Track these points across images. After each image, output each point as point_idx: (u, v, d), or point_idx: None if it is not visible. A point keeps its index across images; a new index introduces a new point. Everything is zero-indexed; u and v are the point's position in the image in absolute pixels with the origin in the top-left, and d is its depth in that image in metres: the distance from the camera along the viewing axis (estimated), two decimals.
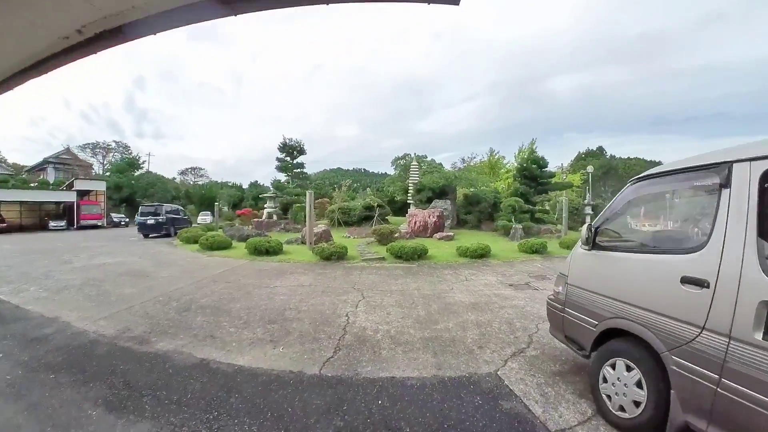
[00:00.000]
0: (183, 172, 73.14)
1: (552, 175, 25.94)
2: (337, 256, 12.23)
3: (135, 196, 50.40)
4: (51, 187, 45.51)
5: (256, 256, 13.53)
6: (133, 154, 61.36)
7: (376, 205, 22.89)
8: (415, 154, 28.42)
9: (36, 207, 38.35)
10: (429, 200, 24.08)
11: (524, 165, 24.31)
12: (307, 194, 14.09)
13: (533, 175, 24.66)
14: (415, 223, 19.32)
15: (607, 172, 52.58)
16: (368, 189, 32.60)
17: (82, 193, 42.98)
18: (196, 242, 17.27)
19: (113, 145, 66.66)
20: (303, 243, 15.66)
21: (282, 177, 25.35)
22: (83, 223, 37.49)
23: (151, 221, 24.23)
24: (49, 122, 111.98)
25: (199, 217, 42.71)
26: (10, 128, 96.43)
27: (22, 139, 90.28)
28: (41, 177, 50.35)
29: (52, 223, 35.00)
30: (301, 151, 26.34)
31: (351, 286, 8.89)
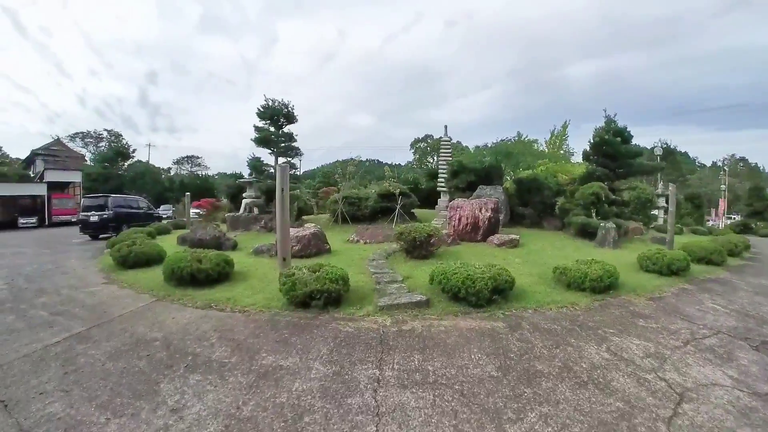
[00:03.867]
0: (178, 162, 67.32)
1: (639, 153, 18.88)
2: (326, 298, 5.53)
3: (123, 188, 45.23)
4: (33, 179, 41.30)
5: (176, 287, 7.10)
6: (122, 143, 55.51)
7: (397, 193, 16.12)
8: (446, 127, 21.35)
9: (11, 202, 33.18)
10: (470, 186, 17.29)
11: (604, 138, 17.37)
12: (278, 170, 7.49)
13: (614, 153, 17.79)
14: (460, 220, 12.59)
15: (663, 158, 45.14)
16: (386, 167, 25.55)
17: (59, 186, 38.48)
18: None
19: (105, 134, 61.37)
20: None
21: (265, 154, 18.72)
22: (56, 219, 32.93)
23: (94, 218, 18.09)
24: (64, 119, 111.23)
25: (192, 210, 37.19)
26: (28, 124, 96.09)
27: (39, 135, 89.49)
28: (31, 170, 46.61)
29: (21, 220, 30.54)
30: (290, 118, 18.78)
31: None
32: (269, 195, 17.05)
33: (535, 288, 7.21)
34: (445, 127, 21.59)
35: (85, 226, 18.34)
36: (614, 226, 13.92)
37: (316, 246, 9.51)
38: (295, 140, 17.88)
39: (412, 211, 17.19)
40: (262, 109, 17.31)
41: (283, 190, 7.31)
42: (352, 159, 19.27)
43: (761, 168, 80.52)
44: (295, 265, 6.40)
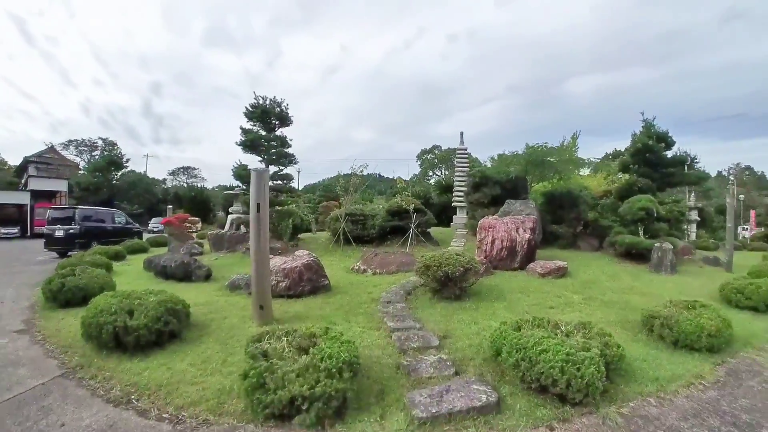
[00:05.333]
0: (174, 173, 65.14)
1: (683, 161, 16.42)
2: (320, 409, 3.01)
3: (115, 198, 43.18)
4: (19, 187, 39.58)
5: (98, 351, 4.73)
6: (115, 151, 53.44)
7: (412, 209, 13.62)
8: (462, 134, 19.01)
9: None
10: (494, 201, 14.87)
11: (647, 144, 14.91)
12: (252, 177, 5.12)
13: (657, 161, 15.49)
14: (493, 243, 10.12)
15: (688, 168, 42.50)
16: (398, 178, 22.97)
17: (46, 195, 36.39)
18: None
19: (99, 142, 59.30)
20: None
21: (254, 162, 15.90)
22: (38, 230, 30.99)
23: (59, 233, 15.78)
24: (68, 128, 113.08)
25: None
26: (32, 132, 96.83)
27: (41, 143, 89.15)
28: (23, 178, 44.86)
29: (2, 230, 29.15)
30: (283, 119, 15.79)
31: None
32: None
33: (630, 349, 4.87)
34: (461, 134, 19.25)
35: (50, 242, 16.05)
36: (671, 247, 11.58)
37: (309, 281, 7.03)
38: (290, 145, 15.24)
39: (428, 230, 14.68)
40: (250, 108, 14.68)
41: (259, 205, 4.91)
42: (354, 173, 16.61)
43: None
44: (273, 330, 3.95)
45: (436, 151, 50.86)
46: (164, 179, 61.03)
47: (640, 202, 12.99)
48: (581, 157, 16.00)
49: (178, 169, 66.02)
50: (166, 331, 4.86)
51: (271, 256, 7.81)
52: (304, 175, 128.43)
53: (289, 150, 15.28)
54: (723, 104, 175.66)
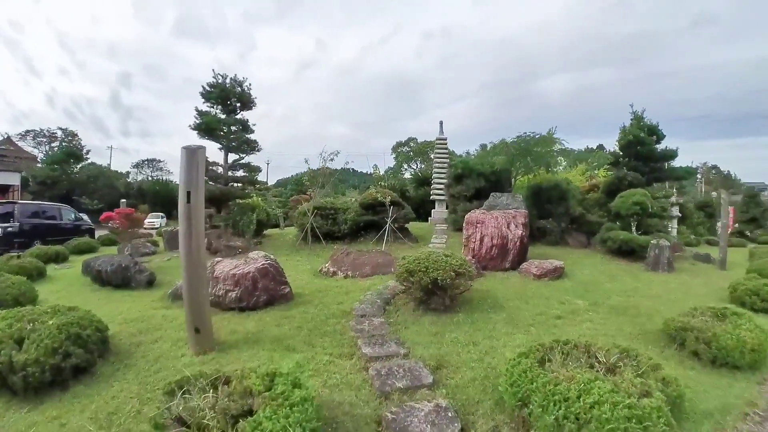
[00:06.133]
0: (138, 165, 62.26)
1: (672, 155, 15.75)
2: None
3: (74, 193, 40.67)
4: None
5: None
6: (75, 142, 50.58)
7: (388, 201, 12.38)
8: (441, 123, 17.90)
9: None
10: (477, 194, 13.86)
11: (639, 136, 14.14)
12: (183, 156, 3.84)
13: (647, 154, 14.79)
14: (482, 241, 9.03)
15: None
16: (374, 166, 21.62)
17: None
18: None
19: (59, 133, 55.92)
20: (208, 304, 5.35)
21: (212, 147, 13.99)
22: None
23: None
24: (31, 120, 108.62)
25: (146, 220, 33.16)
26: None
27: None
28: None
29: None
30: (245, 101, 14.02)
31: None
32: (216, 203, 12.67)
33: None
34: (441, 123, 18.10)
35: None
36: (668, 244, 10.89)
37: (265, 290, 5.72)
38: (252, 131, 13.57)
39: (406, 226, 13.45)
40: (208, 88, 13.27)
41: (190, 194, 3.66)
42: (324, 163, 15.05)
43: (733, 175, 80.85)
44: (197, 376, 2.72)
45: (412, 144, 49.35)
46: (128, 172, 58.03)
47: (634, 197, 12.23)
48: (572, 148, 15.23)
49: (143, 161, 62.88)
50: (67, 367, 3.56)
51: (219, 259, 6.51)
52: (277, 170, 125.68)
53: (252, 136, 13.64)
54: (688, 105, 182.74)
